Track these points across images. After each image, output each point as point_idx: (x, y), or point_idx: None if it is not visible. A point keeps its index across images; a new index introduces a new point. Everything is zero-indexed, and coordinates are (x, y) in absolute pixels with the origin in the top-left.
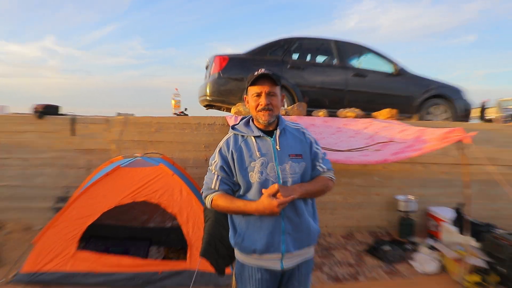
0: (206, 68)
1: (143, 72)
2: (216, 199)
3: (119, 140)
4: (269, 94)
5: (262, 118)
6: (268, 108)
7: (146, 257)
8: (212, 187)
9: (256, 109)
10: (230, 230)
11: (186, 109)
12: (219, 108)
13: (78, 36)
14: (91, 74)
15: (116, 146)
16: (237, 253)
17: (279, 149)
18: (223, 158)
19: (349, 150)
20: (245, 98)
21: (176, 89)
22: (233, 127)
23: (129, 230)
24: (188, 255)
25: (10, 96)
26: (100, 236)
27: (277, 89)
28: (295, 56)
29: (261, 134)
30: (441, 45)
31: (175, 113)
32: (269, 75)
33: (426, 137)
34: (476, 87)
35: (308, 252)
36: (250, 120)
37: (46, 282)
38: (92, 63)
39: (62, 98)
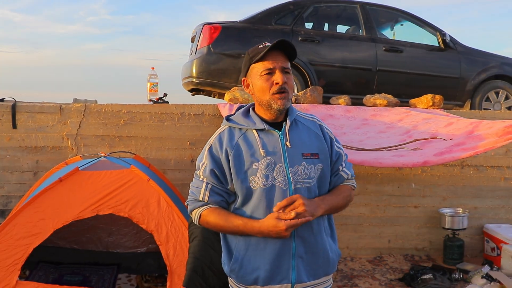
0: (192, 41)
1: (108, 45)
2: (206, 215)
3: (77, 135)
4: (283, 71)
5: (278, 102)
6: (286, 89)
7: None
8: (200, 198)
9: (269, 91)
10: (223, 253)
11: (165, 94)
12: (208, 94)
13: None
14: (38, 46)
15: (73, 142)
16: (233, 284)
17: (289, 146)
18: (215, 159)
19: (378, 149)
20: (245, 81)
21: (153, 69)
22: (228, 118)
23: (90, 254)
24: (168, 284)
25: None
26: (51, 261)
27: (289, 65)
28: (308, 25)
29: (266, 126)
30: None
31: (151, 100)
32: (286, 43)
33: (481, 132)
34: None
35: (326, 282)
36: (251, 109)
37: None
38: (38, 31)
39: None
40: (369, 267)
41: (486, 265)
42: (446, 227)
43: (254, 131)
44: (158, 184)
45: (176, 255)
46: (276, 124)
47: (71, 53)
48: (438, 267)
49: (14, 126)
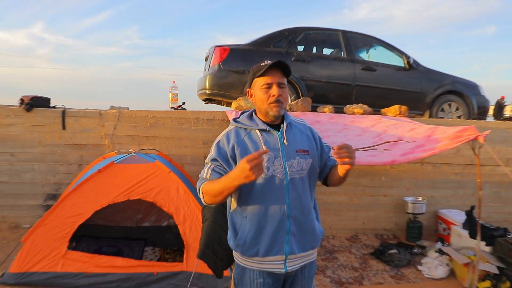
0: (206, 59)
1: (138, 63)
2: (206, 186)
3: (113, 135)
4: (279, 85)
5: (273, 110)
6: (280, 100)
7: (140, 258)
8: (204, 176)
9: (267, 101)
10: (229, 231)
11: (184, 103)
12: (219, 103)
13: (69, 23)
14: (83, 64)
15: (110, 141)
16: (237, 256)
17: (286, 144)
18: (220, 151)
19: (355, 150)
20: (249, 91)
21: (174, 82)
22: (235, 120)
23: (123, 230)
24: (185, 256)
25: None
26: (92, 235)
27: (285, 81)
28: (300, 48)
29: (267, 127)
30: (458, 37)
31: (172, 107)
32: (283, 63)
33: (437, 136)
34: (495, 83)
35: (312, 254)
36: (253, 114)
37: (35, 282)
38: (84, 52)
39: (52, 90)
40: (347, 243)
41: (439, 242)
42: (409, 212)
43: (257, 131)
44: (177, 176)
45: (191, 233)
46: (274, 126)
47: (109, 70)
48: (401, 244)
49: (64, 127)
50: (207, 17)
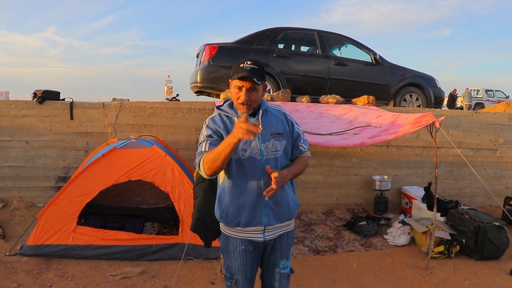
0: (197, 56)
1: (139, 61)
2: (205, 157)
3: (115, 124)
4: (249, 90)
5: (241, 110)
6: (247, 103)
7: (141, 232)
8: (203, 150)
9: (236, 100)
10: (216, 204)
11: (178, 95)
12: (209, 94)
13: (78, 27)
14: (90, 63)
15: (112, 129)
16: (222, 226)
17: (262, 128)
18: (211, 128)
19: (329, 134)
20: (231, 82)
21: (169, 76)
22: (218, 107)
23: (125, 209)
24: (180, 230)
25: (12, 84)
26: (98, 213)
27: (260, 86)
28: (280, 46)
29: None
30: (420, 38)
31: (167, 99)
32: (254, 74)
33: (400, 121)
34: (450, 78)
35: (289, 225)
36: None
37: (49, 253)
38: (91, 53)
39: (63, 86)
40: (322, 217)
41: (402, 214)
42: (376, 188)
43: (237, 118)
44: (172, 159)
45: (185, 209)
46: (252, 113)
47: (113, 67)
48: (370, 217)
49: (72, 117)
50: (200, 21)
